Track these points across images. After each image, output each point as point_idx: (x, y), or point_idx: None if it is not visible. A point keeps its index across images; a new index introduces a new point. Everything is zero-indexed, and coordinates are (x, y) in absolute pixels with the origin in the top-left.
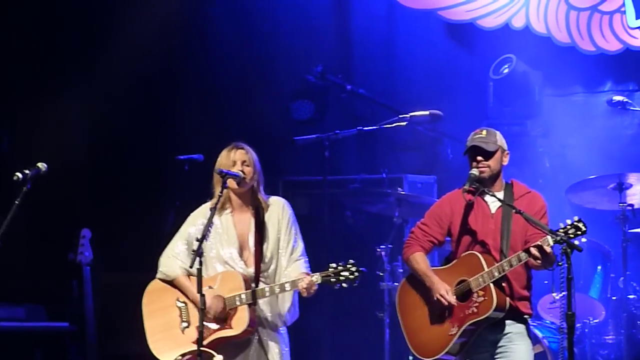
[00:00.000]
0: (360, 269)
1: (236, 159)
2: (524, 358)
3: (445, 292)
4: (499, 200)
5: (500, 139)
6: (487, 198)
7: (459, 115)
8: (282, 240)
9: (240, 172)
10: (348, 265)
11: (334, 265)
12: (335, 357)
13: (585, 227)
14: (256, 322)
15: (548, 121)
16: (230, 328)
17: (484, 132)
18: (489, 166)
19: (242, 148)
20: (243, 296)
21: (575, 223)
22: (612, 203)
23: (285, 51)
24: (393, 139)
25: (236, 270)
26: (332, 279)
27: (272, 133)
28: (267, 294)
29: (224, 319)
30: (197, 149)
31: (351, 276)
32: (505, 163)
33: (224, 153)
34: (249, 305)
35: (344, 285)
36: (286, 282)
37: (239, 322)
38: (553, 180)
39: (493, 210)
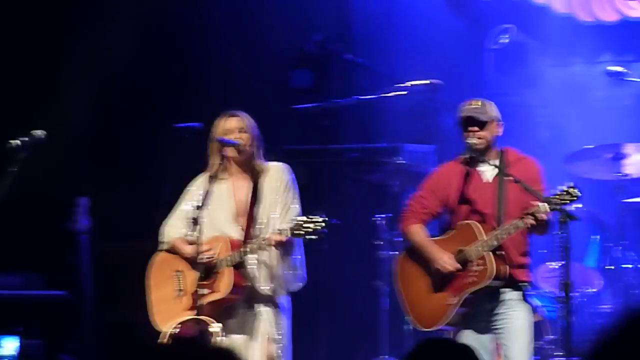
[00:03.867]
0: (329, 220)
1: (231, 127)
2: (523, 324)
3: (447, 259)
4: (496, 167)
5: (495, 110)
6: (482, 167)
7: (458, 85)
8: (278, 204)
9: (240, 140)
10: (313, 217)
11: (302, 217)
12: (333, 326)
13: (580, 192)
14: (244, 285)
15: (546, 91)
16: (218, 291)
17: (479, 102)
18: (483, 137)
19: (237, 115)
20: (228, 258)
21: (569, 189)
22: (609, 173)
23: (284, 20)
24: (392, 109)
25: (224, 235)
26: (299, 231)
27: (271, 102)
28: (248, 253)
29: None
30: (196, 117)
31: (317, 227)
32: (499, 134)
33: (218, 123)
34: (237, 268)
35: (313, 237)
36: (262, 240)
37: (224, 285)
38: (551, 150)
39: (490, 179)
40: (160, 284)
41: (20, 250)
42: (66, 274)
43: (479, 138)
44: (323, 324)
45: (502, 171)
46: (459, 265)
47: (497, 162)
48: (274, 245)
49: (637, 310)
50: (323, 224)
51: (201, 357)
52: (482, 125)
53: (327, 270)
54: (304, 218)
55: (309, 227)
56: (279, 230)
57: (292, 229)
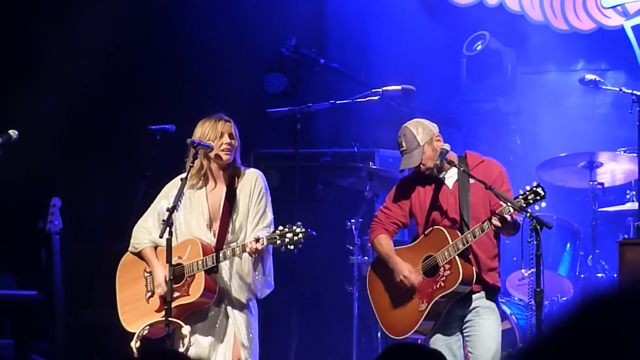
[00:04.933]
0: (307, 230)
1: (224, 131)
2: (491, 332)
3: (408, 272)
4: (465, 171)
5: (422, 132)
6: (445, 174)
7: (431, 91)
8: (251, 210)
9: (212, 144)
10: (294, 227)
11: (281, 227)
12: (304, 330)
13: (544, 191)
14: (215, 289)
15: (520, 99)
16: (188, 295)
17: (403, 142)
18: (426, 165)
19: (229, 121)
20: (200, 262)
21: (534, 188)
22: (582, 181)
23: (259, 24)
24: (365, 114)
25: (196, 238)
26: (277, 241)
27: (244, 105)
28: (222, 259)
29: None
30: (169, 119)
31: (295, 237)
32: (438, 147)
33: (208, 124)
34: (209, 272)
35: (290, 247)
36: (237, 246)
37: (195, 289)
38: (524, 158)
39: (450, 186)
40: (128, 284)
41: None
42: (38, 274)
43: (425, 170)
44: (293, 329)
45: (470, 175)
46: (417, 282)
47: (456, 169)
48: (250, 253)
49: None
50: (301, 235)
51: None
52: (417, 165)
53: (299, 274)
54: (282, 228)
55: (287, 238)
56: (256, 238)
57: (270, 238)
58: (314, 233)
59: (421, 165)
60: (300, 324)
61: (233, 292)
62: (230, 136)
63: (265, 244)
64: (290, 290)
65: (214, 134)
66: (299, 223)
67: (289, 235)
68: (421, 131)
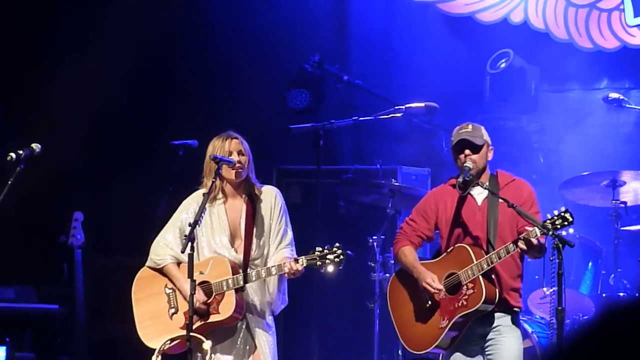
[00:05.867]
0: (347, 252)
1: (232, 149)
2: (512, 350)
3: (430, 280)
4: (489, 190)
5: (486, 134)
6: (474, 191)
7: (455, 109)
8: (272, 228)
9: (235, 160)
10: (334, 249)
11: (319, 248)
12: (325, 347)
13: (572, 217)
14: (244, 307)
15: (544, 117)
16: (218, 313)
17: (470, 126)
18: (477, 160)
19: (237, 138)
20: (230, 281)
21: (562, 213)
22: (605, 200)
23: (283, 39)
24: (388, 130)
25: (224, 256)
26: (317, 262)
27: (267, 121)
28: (254, 278)
29: (209, 307)
30: (192, 134)
31: (337, 259)
32: (490, 158)
33: (217, 143)
34: (237, 290)
35: (330, 269)
36: (272, 266)
37: (226, 307)
38: (547, 176)
39: (479, 203)
40: (147, 299)
41: (15, 263)
42: (59, 288)
43: (474, 162)
44: (314, 345)
45: (494, 194)
46: (440, 287)
47: (488, 185)
48: (289, 274)
49: (611, 310)
50: (343, 257)
51: None
52: (476, 149)
53: (320, 291)
54: (322, 249)
55: (328, 259)
56: (294, 258)
57: (310, 259)
58: (352, 254)
59: (474, 159)
60: (321, 341)
61: (256, 310)
62: (240, 153)
63: (305, 264)
64: (311, 306)
65: (222, 153)
66: (337, 244)
67: (330, 256)
68: (486, 134)
